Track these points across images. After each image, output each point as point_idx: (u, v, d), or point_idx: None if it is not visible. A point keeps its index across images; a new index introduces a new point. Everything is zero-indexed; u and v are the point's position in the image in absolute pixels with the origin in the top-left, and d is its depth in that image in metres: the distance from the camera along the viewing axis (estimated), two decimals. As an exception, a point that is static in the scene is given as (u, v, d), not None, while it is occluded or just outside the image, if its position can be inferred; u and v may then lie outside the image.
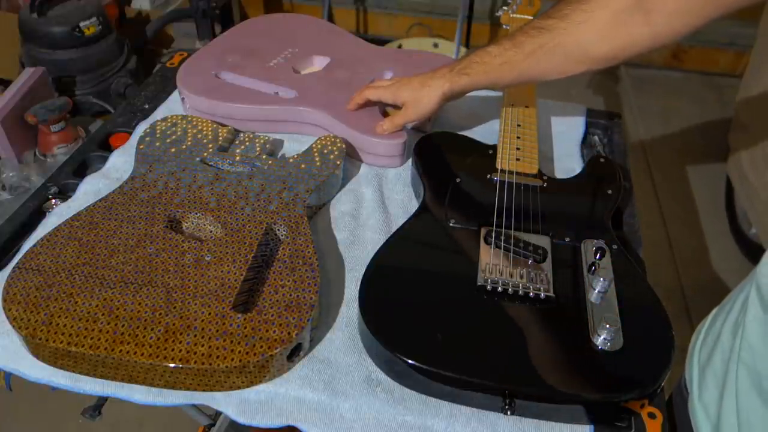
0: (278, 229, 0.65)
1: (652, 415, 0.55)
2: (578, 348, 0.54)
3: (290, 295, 0.58)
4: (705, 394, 0.58)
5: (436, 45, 2.36)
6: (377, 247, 0.63)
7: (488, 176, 0.72)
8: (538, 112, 0.82)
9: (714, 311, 0.63)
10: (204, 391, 0.55)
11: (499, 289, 0.59)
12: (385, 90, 0.77)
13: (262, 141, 0.77)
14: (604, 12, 0.61)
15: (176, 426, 1.29)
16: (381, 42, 1.91)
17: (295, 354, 0.56)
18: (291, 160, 0.74)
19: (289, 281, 0.59)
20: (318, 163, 0.73)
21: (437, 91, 0.73)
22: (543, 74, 0.68)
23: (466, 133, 0.81)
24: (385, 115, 0.85)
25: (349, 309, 0.62)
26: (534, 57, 0.66)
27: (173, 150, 0.74)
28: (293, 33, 0.97)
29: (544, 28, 0.65)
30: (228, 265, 0.60)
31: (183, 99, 0.86)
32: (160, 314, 0.55)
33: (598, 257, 0.61)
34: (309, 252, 0.62)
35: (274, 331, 0.54)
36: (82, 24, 1.57)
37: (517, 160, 0.74)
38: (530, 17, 0.97)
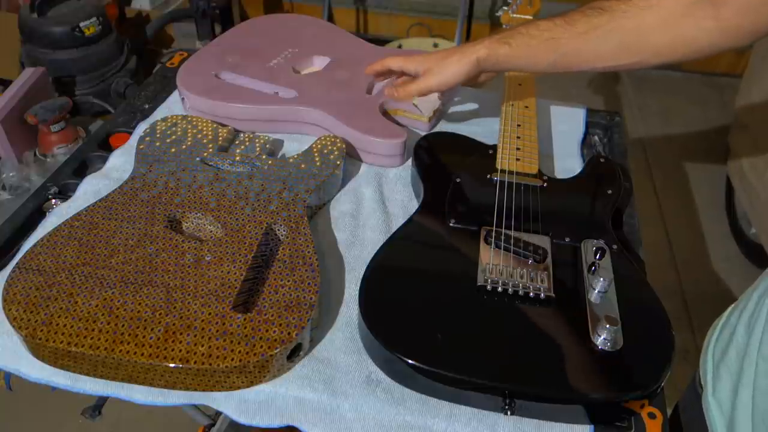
0: (278, 229, 0.65)
1: (652, 415, 0.55)
2: (578, 348, 0.54)
3: (290, 295, 0.58)
4: (719, 390, 0.58)
5: (436, 45, 2.36)
6: (377, 247, 0.63)
7: (488, 176, 0.72)
8: (538, 112, 0.82)
9: (730, 308, 0.63)
10: (204, 391, 0.55)
11: (499, 289, 0.59)
12: (408, 59, 0.73)
13: (262, 141, 0.77)
14: (671, 1, 0.57)
15: (176, 426, 1.28)
16: (381, 42, 1.91)
17: (295, 354, 0.56)
18: (291, 160, 0.74)
19: (289, 281, 0.59)
20: (318, 163, 0.73)
21: (469, 57, 0.67)
22: (590, 59, 0.63)
23: (466, 133, 0.81)
24: (386, 115, 0.85)
25: (349, 309, 0.62)
26: (585, 38, 0.61)
27: (173, 150, 0.74)
28: (293, 33, 0.97)
29: (603, 9, 0.60)
30: (228, 265, 0.60)
31: (183, 99, 0.86)
32: (160, 314, 0.55)
33: (598, 257, 0.61)
34: (309, 252, 0.62)
35: (274, 331, 0.54)
36: (82, 24, 1.57)
37: (517, 160, 0.74)
38: (530, 17, 0.97)
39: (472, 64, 0.67)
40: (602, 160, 0.77)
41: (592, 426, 0.54)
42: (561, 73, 0.66)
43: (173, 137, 0.76)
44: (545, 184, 0.71)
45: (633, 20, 0.59)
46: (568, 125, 0.89)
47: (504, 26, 0.98)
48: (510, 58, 0.66)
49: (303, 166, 0.73)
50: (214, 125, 0.79)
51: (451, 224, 0.66)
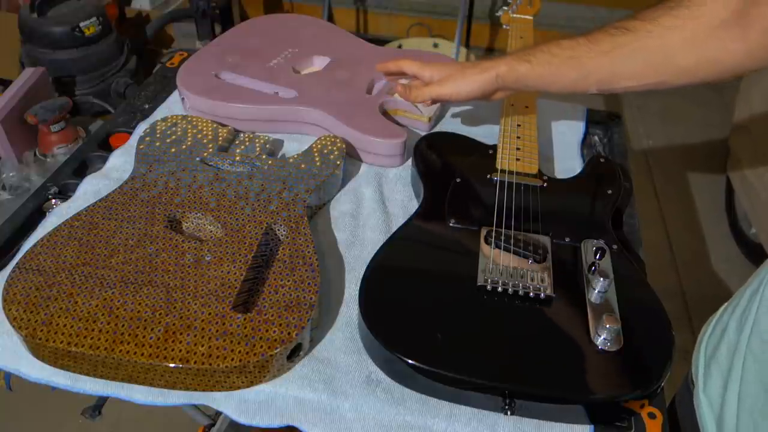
0: (278, 229, 0.65)
1: (652, 415, 0.55)
2: (578, 348, 0.54)
3: (290, 295, 0.58)
4: (709, 386, 0.59)
5: (436, 45, 2.36)
6: (377, 247, 0.63)
7: (488, 176, 0.72)
8: (538, 112, 0.82)
9: (724, 305, 0.63)
10: (204, 391, 0.55)
11: (499, 289, 0.59)
12: (426, 66, 0.72)
13: (262, 141, 0.77)
14: (696, 22, 0.56)
15: (176, 426, 1.28)
16: (381, 42, 1.91)
17: (295, 354, 0.56)
18: (291, 160, 0.74)
19: (289, 281, 0.59)
20: (318, 163, 0.73)
21: (489, 72, 0.67)
22: (614, 78, 0.62)
23: (466, 133, 0.81)
24: (386, 115, 0.85)
25: (349, 309, 0.62)
26: (610, 56, 0.60)
27: (173, 150, 0.74)
28: (293, 33, 0.97)
29: (628, 29, 0.59)
30: (228, 265, 0.60)
31: (183, 99, 0.86)
32: (160, 314, 0.55)
33: (598, 257, 0.61)
34: (309, 252, 0.62)
35: (274, 331, 0.54)
36: (82, 24, 1.57)
37: (517, 160, 0.73)
38: (530, 17, 0.98)
39: (490, 80, 0.67)
40: (602, 160, 0.77)
41: (592, 426, 0.54)
42: (581, 93, 0.66)
43: (173, 137, 0.76)
44: (545, 184, 0.71)
45: (658, 40, 0.58)
46: (568, 125, 0.89)
47: (504, 26, 0.98)
48: (530, 75, 0.65)
49: (303, 166, 0.73)
50: (214, 125, 0.79)
51: (451, 224, 0.66)
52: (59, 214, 0.70)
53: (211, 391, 0.55)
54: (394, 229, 0.66)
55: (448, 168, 0.73)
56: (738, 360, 0.55)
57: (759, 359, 0.52)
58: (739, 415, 0.53)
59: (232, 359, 0.52)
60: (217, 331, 0.54)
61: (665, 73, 0.59)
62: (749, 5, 0.52)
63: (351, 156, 0.81)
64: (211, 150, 0.74)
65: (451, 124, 0.89)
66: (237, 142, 0.77)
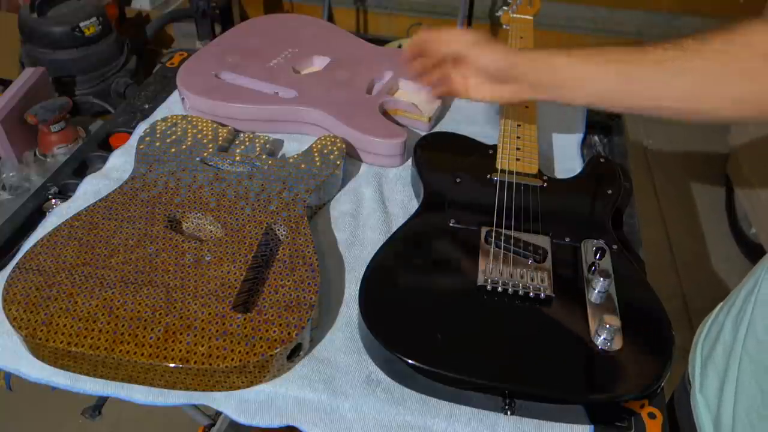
0: (278, 229, 0.65)
1: (652, 415, 0.55)
2: (578, 348, 0.54)
3: (290, 295, 0.58)
4: (706, 386, 0.59)
5: (436, 45, 2.36)
6: (377, 247, 0.63)
7: (488, 176, 0.72)
8: (538, 111, 0.82)
9: (719, 306, 0.63)
10: (204, 391, 0.55)
11: (499, 289, 0.59)
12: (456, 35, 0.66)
13: (262, 141, 0.77)
14: (747, 50, 0.51)
15: (176, 426, 1.28)
16: (381, 42, 1.91)
17: (295, 354, 0.56)
18: (291, 160, 0.74)
19: (289, 281, 0.59)
20: (318, 163, 0.73)
21: (518, 54, 0.62)
22: (658, 94, 0.55)
23: (466, 133, 0.81)
24: (386, 115, 0.85)
25: (349, 309, 0.62)
26: (657, 68, 0.54)
27: (173, 150, 0.74)
28: (293, 33, 0.97)
29: (679, 46, 0.54)
30: (228, 265, 0.60)
31: (183, 99, 0.86)
32: (160, 314, 0.55)
33: (598, 257, 0.61)
34: (309, 252, 0.62)
35: (274, 331, 0.54)
36: (82, 24, 1.57)
37: (517, 160, 0.73)
38: (530, 17, 0.97)
39: (519, 61, 0.61)
40: (602, 160, 0.77)
41: (592, 426, 0.54)
42: (607, 107, 0.60)
43: (173, 137, 0.76)
44: (545, 184, 0.71)
45: (710, 63, 0.53)
46: (568, 125, 0.89)
47: (504, 26, 0.98)
48: (565, 70, 0.59)
49: (303, 166, 0.73)
50: (214, 125, 0.79)
51: (451, 224, 0.66)
52: (59, 214, 0.70)
53: (211, 391, 0.55)
54: (394, 229, 0.66)
55: (448, 168, 0.73)
56: (734, 360, 0.55)
57: (755, 360, 0.52)
58: (735, 416, 0.53)
59: (232, 359, 0.52)
60: (217, 331, 0.54)
61: (716, 99, 0.54)
62: None
63: (351, 156, 0.81)
64: (211, 150, 0.74)
65: (451, 124, 0.88)
66: (237, 142, 0.77)
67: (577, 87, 0.59)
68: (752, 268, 0.58)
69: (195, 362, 0.52)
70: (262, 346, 0.53)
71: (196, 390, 0.55)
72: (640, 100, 0.57)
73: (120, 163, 0.78)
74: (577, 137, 0.87)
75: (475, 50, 0.64)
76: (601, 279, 0.58)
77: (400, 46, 2.30)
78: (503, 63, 0.62)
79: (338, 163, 0.74)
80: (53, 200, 0.75)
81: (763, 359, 0.52)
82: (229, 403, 0.55)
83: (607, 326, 0.53)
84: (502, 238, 0.63)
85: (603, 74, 0.58)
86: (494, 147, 0.76)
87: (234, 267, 0.60)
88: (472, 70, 0.66)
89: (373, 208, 0.73)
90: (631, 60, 0.56)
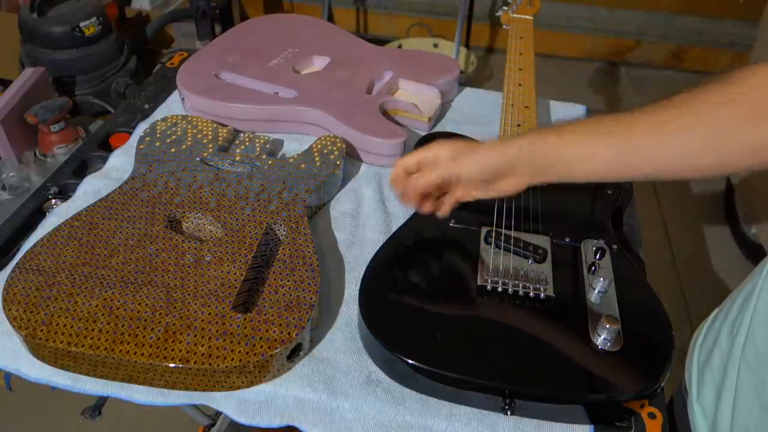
0: (278, 229, 0.65)
1: (652, 415, 0.55)
2: (578, 348, 0.54)
3: (290, 295, 0.58)
4: (703, 395, 0.58)
5: (436, 45, 2.36)
6: (377, 247, 0.63)
7: (488, 176, 0.72)
8: (538, 112, 0.82)
9: (715, 311, 0.63)
10: (204, 391, 0.55)
11: (499, 289, 0.59)
12: (431, 151, 0.59)
13: (262, 141, 0.77)
14: (748, 98, 0.49)
15: (176, 426, 1.28)
16: (381, 42, 1.91)
17: (295, 354, 0.56)
18: (291, 160, 0.74)
19: (289, 281, 0.59)
20: (318, 163, 0.73)
21: (508, 146, 0.56)
22: (663, 159, 0.52)
23: (466, 133, 0.81)
24: (386, 115, 0.85)
25: (349, 309, 0.62)
26: (656, 135, 0.51)
27: (173, 150, 0.74)
28: (293, 33, 0.97)
29: (673, 105, 0.52)
30: (228, 265, 0.60)
31: (183, 99, 0.86)
32: (160, 314, 0.55)
33: (598, 257, 0.61)
34: (309, 252, 0.62)
35: (274, 331, 0.54)
36: (82, 24, 1.57)
37: (517, 160, 0.73)
38: (530, 17, 0.97)
39: (510, 154, 0.56)
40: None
41: (592, 426, 0.54)
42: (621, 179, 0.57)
43: (173, 137, 0.76)
44: (545, 184, 0.71)
45: (713, 115, 0.50)
46: (568, 125, 0.89)
47: (504, 26, 0.98)
48: (558, 149, 0.55)
49: (303, 166, 0.73)
50: (214, 125, 0.79)
51: (451, 224, 0.66)
52: (59, 214, 0.70)
53: (211, 391, 0.55)
54: (394, 229, 0.66)
55: (448, 168, 0.73)
56: (732, 369, 0.54)
57: (754, 369, 0.52)
58: (733, 426, 0.53)
59: (232, 359, 0.52)
60: (217, 331, 0.54)
61: (726, 151, 0.50)
62: None
63: (351, 156, 0.81)
64: (211, 150, 0.74)
65: (451, 124, 0.89)
66: (237, 142, 0.77)
67: (569, 165, 0.55)
68: (749, 273, 0.58)
69: (195, 362, 0.52)
70: (262, 346, 0.53)
71: (196, 390, 0.55)
72: (646, 169, 0.53)
73: (120, 163, 0.78)
74: (577, 137, 0.87)
75: (456, 165, 0.58)
76: (601, 279, 0.58)
77: (400, 46, 2.30)
78: (499, 159, 0.56)
79: (338, 163, 0.74)
80: (53, 200, 0.75)
81: (762, 371, 0.51)
82: (229, 403, 0.55)
83: (607, 326, 0.53)
84: (502, 238, 0.63)
85: (599, 150, 0.54)
86: (494, 147, 0.76)
87: (234, 267, 0.60)
88: (461, 187, 0.61)
89: (373, 208, 0.73)
90: (622, 131, 0.53)
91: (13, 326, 0.54)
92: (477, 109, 0.91)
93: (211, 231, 0.66)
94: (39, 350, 0.55)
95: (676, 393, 0.66)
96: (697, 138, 0.50)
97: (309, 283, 0.59)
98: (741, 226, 1.83)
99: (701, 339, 0.63)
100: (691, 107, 0.51)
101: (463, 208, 0.68)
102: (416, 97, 0.88)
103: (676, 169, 0.52)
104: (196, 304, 0.56)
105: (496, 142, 0.58)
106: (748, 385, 0.52)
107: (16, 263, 0.59)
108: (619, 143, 0.53)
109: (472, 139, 0.78)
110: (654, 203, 2.00)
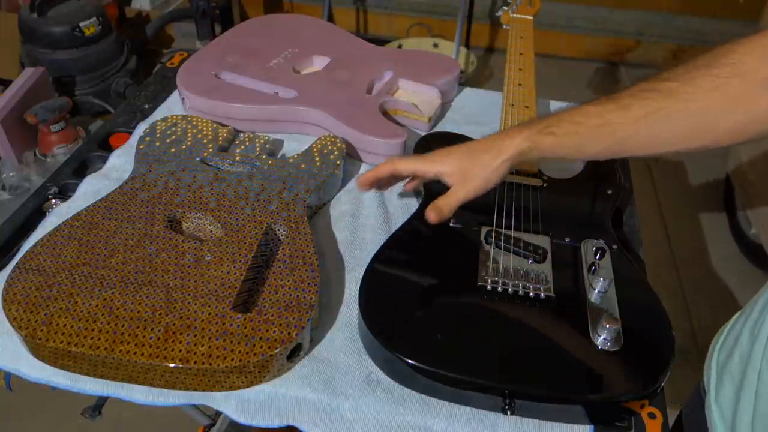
0: (278, 229, 0.65)
1: (652, 415, 0.55)
2: (578, 348, 0.54)
3: (290, 295, 0.58)
4: (722, 395, 0.58)
5: (436, 45, 2.36)
6: (377, 247, 0.63)
7: (488, 176, 0.72)
8: (538, 112, 0.82)
9: (737, 314, 0.63)
10: (204, 391, 0.55)
11: (499, 289, 0.59)
12: (426, 161, 0.63)
13: (262, 141, 0.77)
14: (739, 80, 0.50)
15: (176, 426, 1.28)
16: (381, 42, 1.91)
17: (295, 354, 0.56)
18: (291, 160, 0.74)
19: (289, 281, 0.59)
20: (318, 163, 0.73)
21: (509, 153, 0.59)
22: (652, 144, 0.56)
23: (466, 133, 0.81)
24: (386, 115, 0.85)
25: (349, 309, 0.62)
26: (644, 123, 0.54)
27: (173, 150, 0.74)
28: (293, 33, 0.97)
29: (661, 91, 0.54)
30: (228, 265, 0.60)
31: (183, 99, 0.86)
32: (160, 314, 0.55)
33: (598, 257, 0.61)
34: (309, 252, 0.62)
35: (274, 331, 0.54)
36: (82, 24, 1.57)
37: (517, 160, 0.73)
38: (530, 17, 0.97)
39: (512, 161, 0.60)
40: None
41: (592, 426, 0.54)
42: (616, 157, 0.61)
43: (173, 137, 0.76)
44: (545, 184, 0.71)
45: (700, 104, 0.52)
46: (568, 125, 0.89)
47: (504, 26, 0.98)
48: (556, 147, 0.58)
49: (303, 166, 0.73)
50: (214, 125, 0.79)
51: (450, 224, 0.66)
52: (59, 214, 0.70)
53: (211, 391, 0.55)
54: (394, 229, 0.66)
55: (448, 168, 0.73)
56: (752, 371, 0.54)
57: None
58: (753, 427, 0.52)
59: (232, 359, 0.52)
60: (217, 331, 0.54)
61: (710, 136, 0.53)
62: None
63: (351, 156, 0.81)
64: (211, 150, 0.74)
65: (451, 124, 0.89)
66: (237, 142, 0.77)
67: (569, 157, 0.60)
68: (749, 273, 0.58)
69: (195, 362, 0.52)
70: (262, 346, 0.53)
71: (196, 390, 0.55)
72: (636, 151, 0.57)
73: (120, 163, 0.78)
74: (577, 137, 0.87)
75: (467, 190, 0.61)
76: (601, 279, 0.58)
77: (400, 46, 2.30)
78: (505, 171, 0.60)
79: (338, 163, 0.74)
80: (53, 200, 0.75)
81: None
82: (229, 403, 0.55)
83: (607, 326, 0.53)
84: (502, 238, 0.63)
85: (593, 143, 0.58)
86: (494, 147, 0.76)
87: (234, 267, 0.60)
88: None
89: (373, 208, 0.73)
90: (614, 121, 0.56)
91: (13, 326, 0.54)
92: (477, 109, 0.91)
93: (211, 231, 0.66)
94: (39, 350, 0.55)
95: (693, 394, 0.66)
96: (685, 125, 0.54)
97: (309, 283, 0.59)
98: (741, 225, 1.83)
99: (721, 340, 0.63)
100: (681, 94, 0.53)
101: (463, 207, 0.68)
102: (416, 97, 0.88)
103: (669, 150, 0.56)
104: (196, 304, 0.56)
105: (491, 152, 0.60)
106: None
107: (16, 263, 0.59)
108: (613, 134, 0.56)
109: (471, 139, 0.78)
110: (654, 202, 2.00)
